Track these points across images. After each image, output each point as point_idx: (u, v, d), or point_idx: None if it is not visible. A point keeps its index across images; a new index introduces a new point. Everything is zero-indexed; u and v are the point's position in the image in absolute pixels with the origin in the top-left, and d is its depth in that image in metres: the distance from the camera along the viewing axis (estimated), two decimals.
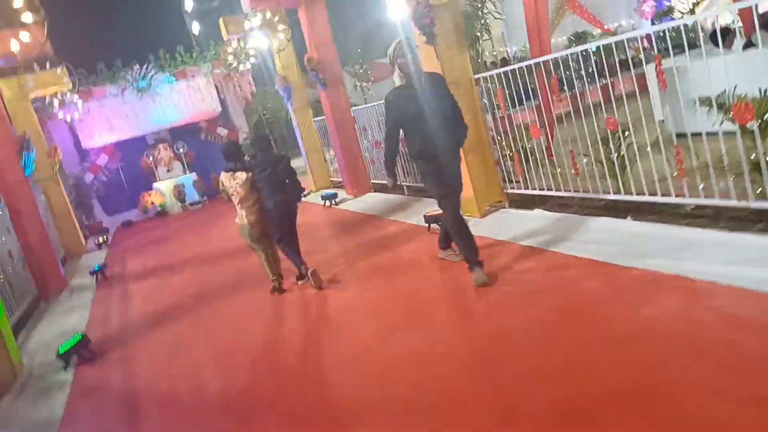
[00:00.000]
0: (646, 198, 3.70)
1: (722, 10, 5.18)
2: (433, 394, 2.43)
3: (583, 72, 4.48)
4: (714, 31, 5.42)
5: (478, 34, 7.80)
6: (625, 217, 3.85)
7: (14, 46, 5.82)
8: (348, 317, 3.71)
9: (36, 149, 7.97)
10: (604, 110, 3.90)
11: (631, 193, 3.82)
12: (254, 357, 3.49)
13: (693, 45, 4.00)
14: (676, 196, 3.50)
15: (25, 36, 5.73)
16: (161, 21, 18.24)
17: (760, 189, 3.02)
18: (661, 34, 4.13)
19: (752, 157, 3.09)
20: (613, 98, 3.83)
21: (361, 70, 14.95)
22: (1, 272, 5.69)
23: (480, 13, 7.63)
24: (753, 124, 2.99)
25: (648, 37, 4.43)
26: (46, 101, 9.38)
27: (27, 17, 5.45)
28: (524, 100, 5.36)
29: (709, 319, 2.40)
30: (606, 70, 3.88)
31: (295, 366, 3.23)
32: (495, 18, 8.09)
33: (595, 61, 3.90)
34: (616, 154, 3.91)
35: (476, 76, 4.91)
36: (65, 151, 10.98)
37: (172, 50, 11.76)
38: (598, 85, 4.15)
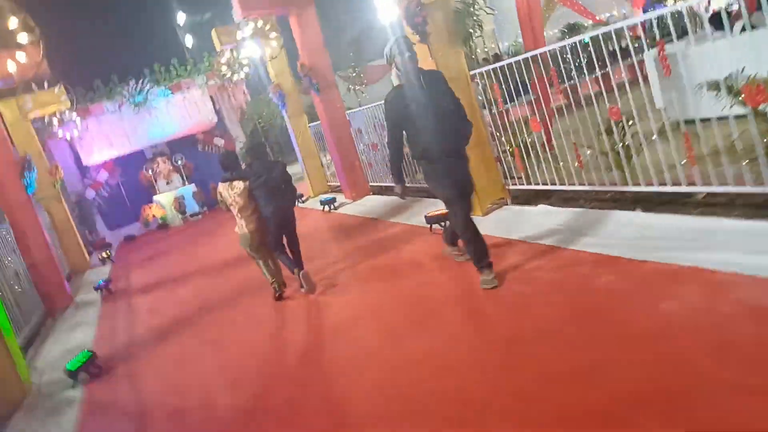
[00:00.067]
0: (656, 188, 3.60)
1: None
2: (451, 402, 2.34)
3: (581, 63, 4.41)
4: (713, 14, 5.35)
5: (471, 30, 7.74)
6: (633, 209, 3.76)
7: (11, 67, 5.80)
8: (353, 323, 3.63)
9: (37, 168, 7.99)
10: (606, 101, 3.81)
11: (638, 184, 3.73)
12: (260, 367, 3.42)
13: (685, 31, 3.93)
14: (688, 184, 3.40)
15: (21, 56, 5.70)
16: (154, 35, 18.30)
17: None
18: (662, 21, 4.05)
19: (766, 141, 3.00)
20: (615, 88, 3.75)
21: (353, 74, 14.93)
22: (9, 292, 5.70)
23: (471, 9, 7.57)
24: (766, 106, 2.90)
25: (643, 24, 4.35)
26: (46, 120, 9.41)
27: (23, 38, 5.41)
28: (520, 95, 5.29)
29: (735, 313, 2.28)
30: (605, 59, 3.80)
31: (302, 375, 3.15)
32: (486, 14, 8.03)
33: (593, 51, 3.83)
34: (621, 144, 3.82)
35: (472, 73, 4.85)
36: (66, 168, 11.03)
37: (167, 64, 11.75)
38: (596, 75, 4.06)
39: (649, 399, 1.94)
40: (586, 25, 13.40)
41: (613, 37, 3.61)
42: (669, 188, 3.53)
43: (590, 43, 4.99)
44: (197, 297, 5.58)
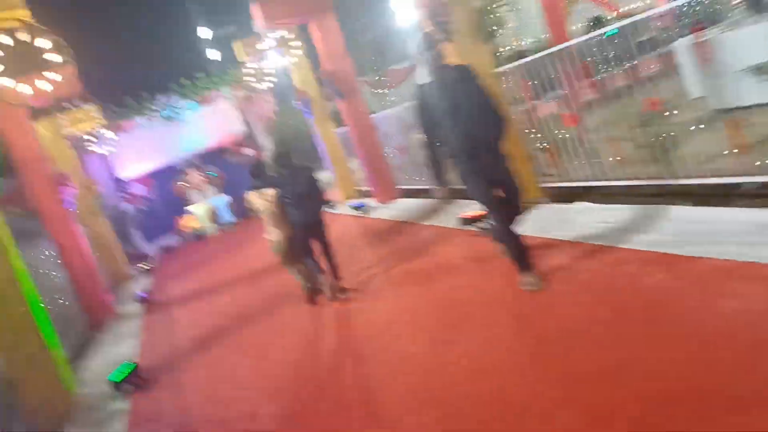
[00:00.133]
0: (703, 180, 3.43)
1: None
2: (485, 405, 2.29)
3: (610, 55, 4.27)
4: None
5: (494, 27, 7.65)
6: (679, 203, 3.60)
7: (46, 87, 6.07)
8: (387, 327, 3.61)
9: (75, 183, 8.32)
10: (636, 93, 3.68)
11: (683, 177, 3.56)
12: (298, 374, 3.44)
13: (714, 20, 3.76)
14: (738, 175, 3.23)
15: (56, 77, 5.96)
16: (180, 50, 18.88)
17: None
18: (695, 7, 3.88)
19: None
20: (647, 78, 3.62)
21: (376, 78, 14.93)
22: (54, 305, 5.90)
23: (494, 6, 7.48)
24: None
25: (672, 11, 4.19)
26: (81, 137, 9.81)
27: (56, 59, 5.66)
28: (547, 91, 5.17)
29: None
30: (634, 50, 3.66)
31: (337, 381, 3.16)
32: (509, 11, 7.92)
33: (621, 43, 3.70)
34: (663, 136, 3.65)
35: (497, 70, 4.78)
36: (103, 183, 11.46)
37: (193, 78, 12.09)
38: (627, 67, 3.92)
39: (717, 402, 1.84)
40: (609, 17, 13.05)
41: (640, 29, 3.47)
42: (719, 180, 3.34)
43: (617, 35, 4.85)
44: (235, 305, 5.67)
